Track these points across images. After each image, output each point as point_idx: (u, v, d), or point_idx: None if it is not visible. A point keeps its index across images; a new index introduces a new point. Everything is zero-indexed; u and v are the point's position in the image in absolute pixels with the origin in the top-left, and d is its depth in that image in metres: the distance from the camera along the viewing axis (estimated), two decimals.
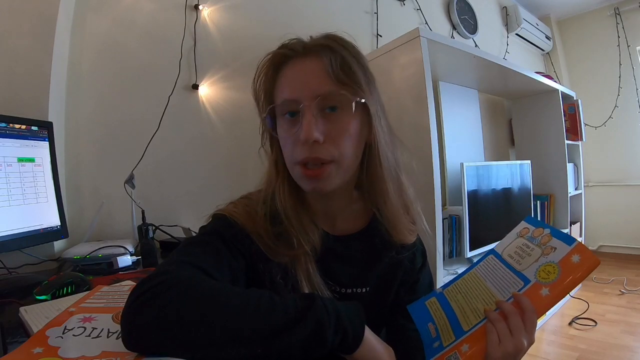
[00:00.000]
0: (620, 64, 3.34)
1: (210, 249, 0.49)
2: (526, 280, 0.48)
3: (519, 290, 0.48)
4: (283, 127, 0.54)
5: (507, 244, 0.57)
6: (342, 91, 0.50)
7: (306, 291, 0.52)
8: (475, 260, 0.65)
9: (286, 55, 0.54)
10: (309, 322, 0.40)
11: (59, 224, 0.99)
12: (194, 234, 0.69)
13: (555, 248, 0.48)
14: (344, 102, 0.51)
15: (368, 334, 0.46)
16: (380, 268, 0.62)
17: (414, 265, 0.66)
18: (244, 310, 0.39)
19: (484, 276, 0.54)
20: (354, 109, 0.51)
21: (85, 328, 0.42)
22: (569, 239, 0.48)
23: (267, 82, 0.55)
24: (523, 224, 0.58)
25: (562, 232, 0.51)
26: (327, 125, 0.51)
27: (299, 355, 0.39)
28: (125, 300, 0.38)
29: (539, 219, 2.55)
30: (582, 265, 0.45)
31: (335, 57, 0.51)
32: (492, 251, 0.58)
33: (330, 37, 0.54)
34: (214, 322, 0.37)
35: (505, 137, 2.86)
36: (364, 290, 0.60)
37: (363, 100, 0.52)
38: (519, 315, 0.45)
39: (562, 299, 0.46)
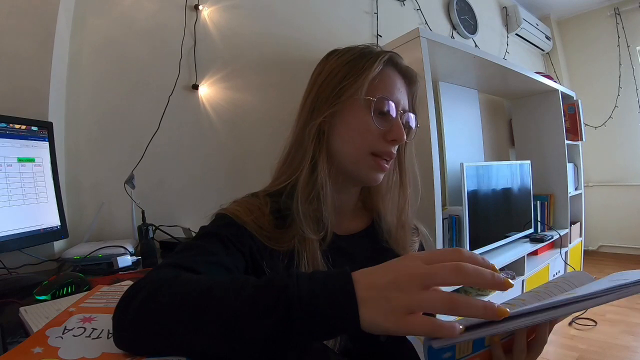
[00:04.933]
0: (620, 64, 3.33)
1: (202, 251, 0.49)
2: None
3: None
4: (366, 119, 0.58)
5: None
6: (416, 115, 0.64)
7: None
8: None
9: (393, 63, 0.61)
10: (278, 311, 0.31)
11: (59, 224, 0.98)
12: (193, 234, 0.69)
13: None
14: (410, 123, 0.63)
15: (361, 293, 0.32)
16: None
17: None
18: (209, 299, 0.35)
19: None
20: (413, 135, 0.64)
21: (85, 328, 0.42)
22: None
23: (372, 71, 0.58)
24: None
25: None
26: None
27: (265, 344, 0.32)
28: None
29: (539, 219, 2.52)
30: None
31: (416, 91, 0.64)
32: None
33: (415, 72, 0.65)
34: (183, 315, 0.34)
35: (505, 137, 2.86)
36: None
37: (419, 127, 0.65)
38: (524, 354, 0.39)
39: None
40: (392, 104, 0.59)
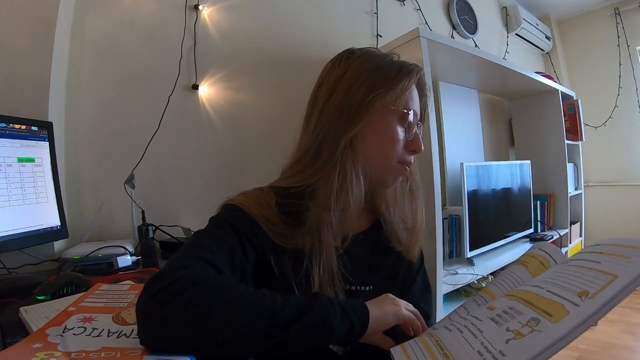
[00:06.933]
0: (620, 64, 3.33)
1: (223, 245, 0.50)
2: None
3: None
4: (396, 129, 0.59)
5: None
6: (422, 125, 0.65)
7: (318, 280, 0.54)
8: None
9: (419, 82, 0.63)
10: (317, 312, 0.43)
11: (59, 224, 0.99)
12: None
13: None
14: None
15: (373, 317, 0.48)
16: (383, 268, 0.65)
17: (411, 267, 0.68)
18: (263, 308, 0.41)
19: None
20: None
21: (85, 328, 0.42)
22: None
23: (409, 83, 0.59)
24: None
25: None
26: None
27: (309, 344, 0.43)
28: (126, 298, 0.39)
29: (539, 219, 2.54)
30: None
31: (426, 102, 0.66)
32: None
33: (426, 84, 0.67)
34: (237, 321, 0.39)
35: (505, 137, 2.86)
36: (367, 288, 0.62)
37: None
38: None
39: None
40: (416, 116, 0.61)
